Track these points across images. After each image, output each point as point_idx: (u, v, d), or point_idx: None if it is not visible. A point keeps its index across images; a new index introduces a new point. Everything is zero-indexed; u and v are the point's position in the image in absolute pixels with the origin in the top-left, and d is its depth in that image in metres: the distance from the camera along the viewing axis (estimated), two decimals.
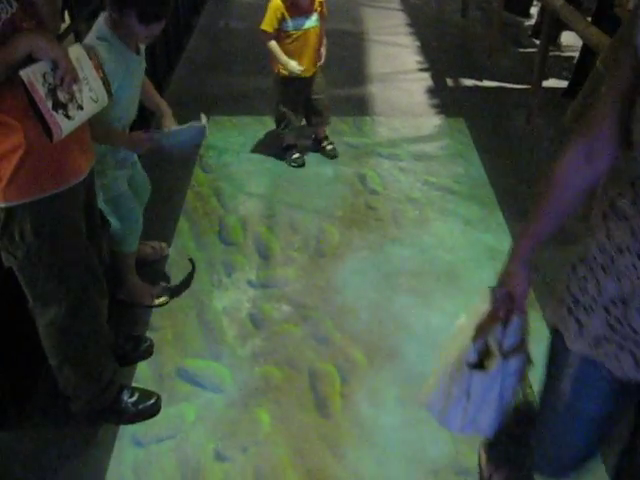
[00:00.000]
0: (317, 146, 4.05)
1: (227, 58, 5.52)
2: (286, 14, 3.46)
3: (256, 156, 4.00)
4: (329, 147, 4.00)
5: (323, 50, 3.72)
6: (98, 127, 2.16)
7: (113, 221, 2.66)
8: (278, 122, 3.86)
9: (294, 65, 3.55)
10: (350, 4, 6.59)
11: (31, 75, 1.62)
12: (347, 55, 5.36)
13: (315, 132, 4.04)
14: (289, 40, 3.54)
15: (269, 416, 2.37)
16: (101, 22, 2.31)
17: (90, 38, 2.29)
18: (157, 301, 2.87)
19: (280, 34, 3.52)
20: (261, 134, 4.24)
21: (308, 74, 3.65)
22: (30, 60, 1.63)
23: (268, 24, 3.49)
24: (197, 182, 3.71)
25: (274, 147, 4.04)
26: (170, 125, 2.55)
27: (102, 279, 2.10)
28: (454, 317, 2.78)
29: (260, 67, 4.85)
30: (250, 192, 3.64)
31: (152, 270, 3.02)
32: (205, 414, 2.37)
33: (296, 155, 3.91)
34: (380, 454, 2.23)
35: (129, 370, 2.52)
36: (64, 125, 1.72)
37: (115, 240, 2.71)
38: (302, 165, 3.90)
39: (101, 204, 2.51)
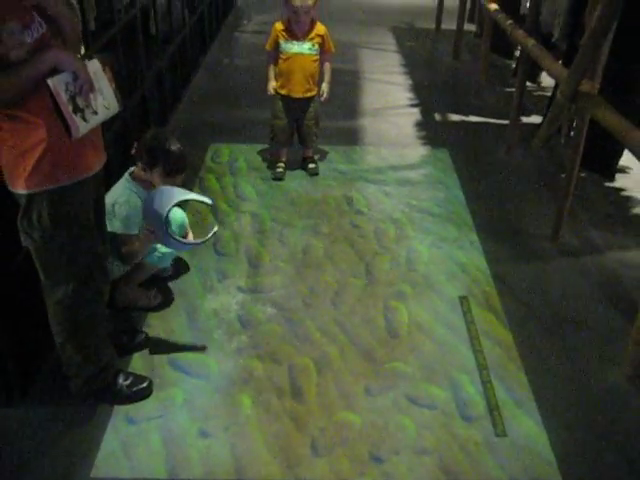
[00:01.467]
0: (302, 164, 4.44)
1: (229, 92, 5.87)
2: (280, 37, 4.08)
3: (252, 180, 4.29)
4: (311, 165, 4.39)
5: (325, 87, 4.23)
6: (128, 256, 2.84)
7: None
8: (270, 134, 4.36)
9: (269, 85, 4.23)
10: (348, 45, 6.98)
11: (56, 83, 1.97)
12: (342, 91, 5.69)
13: (302, 152, 4.46)
14: (281, 60, 4.13)
15: (250, 401, 2.61)
16: (128, 177, 3.00)
17: (121, 188, 2.97)
18: (152, 303, 3.12)
19: (277, 54, 4.13)
20: (258, 161, 4.54)
21: (295, 95, 4.17)
22: (55, 71, 1.97)
23: (268, 43, 4.18)
24: (196, 203, 3.98)
25: (269, 171, 4.35)
26: None
27: (105, 265, 2.38)
28: (425, 322, 3.08)
29: (259, 101, 5.18)
30: (244, 210, 3.92)
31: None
32: (192, 398, 2.62)
33: (278, 169, 4.32)
34: (348, 436, 2.47)
35: (124, 360, 2.77)
36: (81, 126, 2.05)
37: (154, 258, 3.02)
38: (280, 179, 4.29)
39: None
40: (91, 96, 2.08)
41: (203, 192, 4.09)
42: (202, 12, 6.52)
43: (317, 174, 4.35)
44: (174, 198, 2.60)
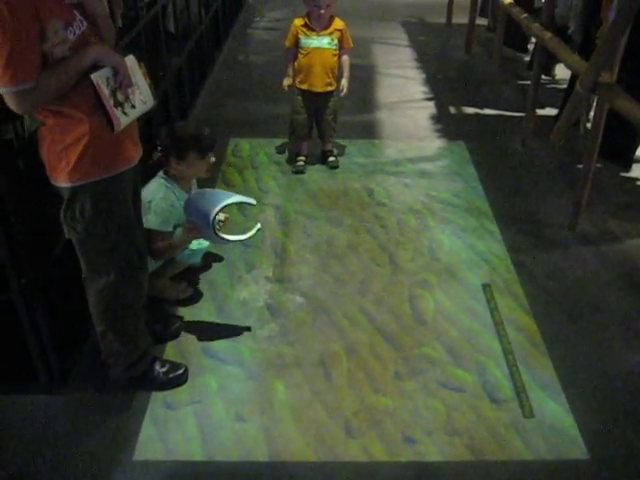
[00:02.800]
0: (322, 158, 4.52)
1: (245, 87, 5.95)
2: (300, 32, 4.15)
3: (273, 173, 4.37)
4: (331, 159, 4.48)
5: (345, 82, 4.28)
6: (163, 252, 2.92)
7: None
8: (289, 129, 4.44)
9: (284, 82, 4.31)
10: (362, 40, 7.01)
11: (99, 78, 2.05)
12: (358, 85, 5.73)
13: (322, 146, 4.54)
14: (301, 55, 4.20)
15: (283, 386, 2.69)
16: (164, 176, 3.05)
17: (157, 185, 3.00)
18: (182, 295, 3.20)
19: (297, 49, 4.21)
20: (278, 155, 4.62)
21: (315, 89, 4.23)
22: (96, 66, 2.05)
23: (287, 40, 4.25)
24: None
25: (289, 165, 4.44)
26: None
27: (144, 254, 2.46)
28: (450, 309, 3.15)
29: (275, 96, 5.25)
30: (268, 203, 4.00)
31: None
32: (227, 384, 2.70)
33: (299, 163, 4.41)
34: (381, 418, 2.55)
35: (159, 348, 2.85)
36: (122, 119, 2.13)
37: (184, 255, 3.09)
38: (301, 172, 4.38)
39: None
40: (129, 91, 2.17)
41: (226, 186, 4.18)
42: (216, 9, 6.59)
43: (337, 167, 4.42)
44: (222, 200, 2.73)
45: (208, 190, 2.92)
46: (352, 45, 4.31)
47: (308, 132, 4.41)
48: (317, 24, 4.11)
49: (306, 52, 4.16)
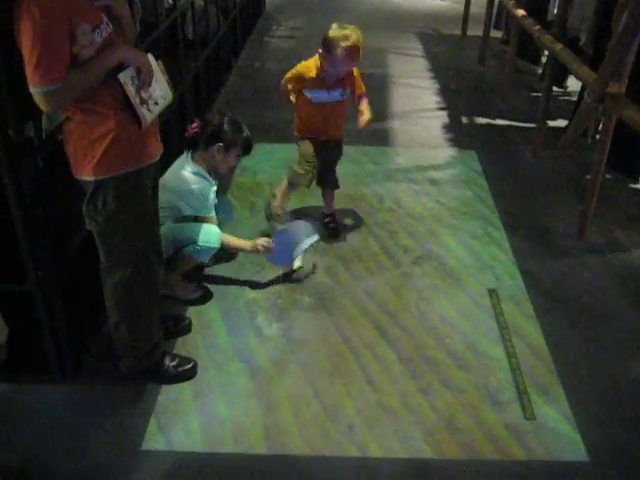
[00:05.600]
0: (321, 219, 3.93)
1: (261, 94, 6.03)
2: (309, 84, 3.45)
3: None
4: (331, 225, 3.87)
5: (367, 116, 3.52)
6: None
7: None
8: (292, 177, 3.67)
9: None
10: (377, 50, 7.12)
11: (125, 78, 2.16)
12: (372, 94, 5.78)
13: (325, 207, 3.95)
14: (307, 104, 3.53)
15: (287, 384, 2.75)
16: (191, 162, 3.16)
17: (186, 173, 3.11)
18: (192, 295, 3.27)
19: (299, 93, 3.53)
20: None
21: (323, 137, 3.61)
22: (120, 66, 2.15)
23: (289, 81, 3.52)
24: (233, 197, 4.14)
25: None
26: None
27: (160, 248, 2.54)
28: (456, 312, 3.19)
29: (288, 103, 5.32)
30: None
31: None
32: (232, 380, 2.76)
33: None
34: (383, 417, 2.60)
35: (169, 343, 2.92)
36: (147, 116, 2.24)
37: (191, 249, 3.11)
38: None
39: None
40: (151, 88, 2.26)
41: (238, 189, 4.26)
42: (234, 17, 6.70)
43: (337, 236, 3.84)
44: (306, 241, 3.42)
45: (299, 224, 3.49)
46: (364, 90, 3.64)
47: (310, 182, 3.65)
48: (329, 80, 3.43)
49: (314, 104, 3.51)
